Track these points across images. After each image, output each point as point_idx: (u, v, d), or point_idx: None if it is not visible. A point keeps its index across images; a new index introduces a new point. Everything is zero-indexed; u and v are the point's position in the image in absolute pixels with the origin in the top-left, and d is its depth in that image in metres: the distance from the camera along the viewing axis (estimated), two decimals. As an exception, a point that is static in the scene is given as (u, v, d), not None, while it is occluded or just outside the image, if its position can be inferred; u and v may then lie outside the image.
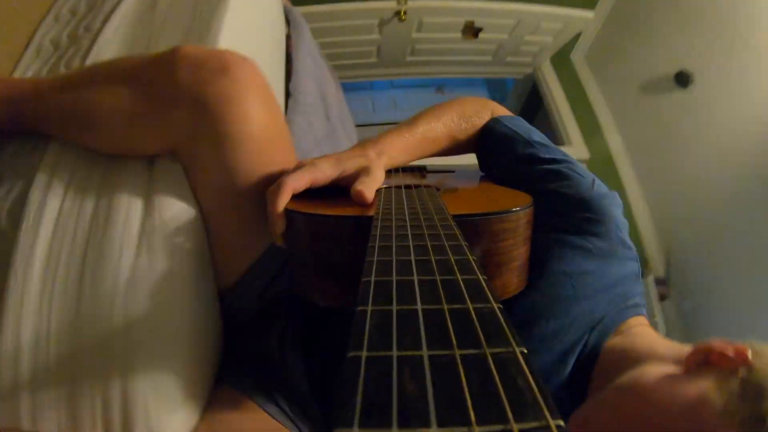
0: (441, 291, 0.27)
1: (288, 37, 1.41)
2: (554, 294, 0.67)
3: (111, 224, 0.72)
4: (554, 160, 0.76)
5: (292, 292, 0.80)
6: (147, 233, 0.73)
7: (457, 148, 0.84)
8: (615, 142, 2.72)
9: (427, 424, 0.16)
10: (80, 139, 0.78)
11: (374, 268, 0.31)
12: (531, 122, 0.83)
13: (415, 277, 0.29)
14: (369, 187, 0.62)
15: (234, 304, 0.81)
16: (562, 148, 0.74)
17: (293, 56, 1.37)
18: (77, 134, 0.78)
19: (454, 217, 0.49)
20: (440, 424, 0.16)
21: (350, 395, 0.17)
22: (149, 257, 0.71)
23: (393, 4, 2.37)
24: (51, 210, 0.74)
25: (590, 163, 2.67)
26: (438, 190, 0.70)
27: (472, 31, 2.66)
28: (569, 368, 0.66)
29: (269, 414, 0.74)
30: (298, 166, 0.67)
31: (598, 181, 0.73)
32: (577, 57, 3.00)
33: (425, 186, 0.71)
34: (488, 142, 0.82)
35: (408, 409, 0.17)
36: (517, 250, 0.61)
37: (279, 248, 0.76)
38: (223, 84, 0.69)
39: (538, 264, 0.68)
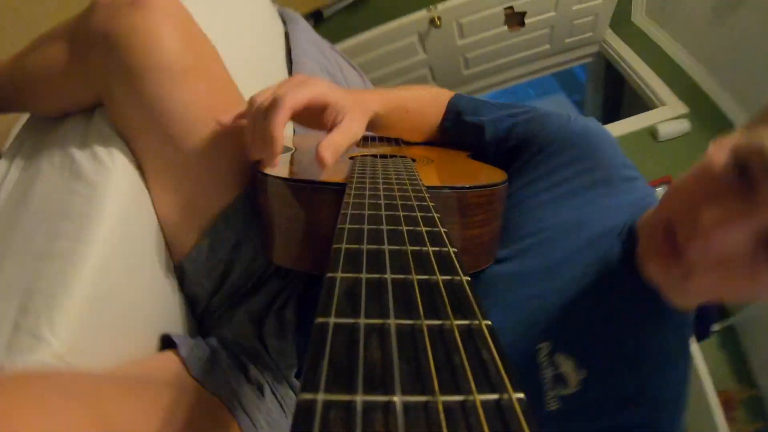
0: (411, 261, 0.27)
1: (287, 35, 1.41)
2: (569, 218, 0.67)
3: (51, 162, 0.72)
4: (527, 111, 0.78)
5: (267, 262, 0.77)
6: (76, 168, 0.69)
7: (422, 125, 0.86)
8: (710, 85, 2.36)
9: (392, 392, 0.16)
10: (27, 103, 0.81)
11: (345, 235, 0.31)
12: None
13: (386, 247, 0.29)
14: (335, 147, 0.56)
15: (191, 276, 0.75)
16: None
17: (292, 49, 1.35)
18: (24, 100, 0.80)
19: (428, 188, 0.48)
20: (404, 392, 0.16)
21: (317, 361, 0.18)
22: (72, 191, 0.67)
23: (423, 14, 2.34)
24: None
25: (693, 117, 2.32)
26: (414, 161, 0.69)
27: (515, 19, 2.53)
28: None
29: (200, 383, 0.62)
30: (289, 82, 0.60)
31: (574, 116, 0.75)
32: (639, 17, 2.72)
33: (401, 156, 0.72)
34: (459, 114, 0.84)
35: (373, 377, 0.17)
36: (489, 226, 0.61)
37: (234, 214, 0.73)
38: (131, 16, 0.66)
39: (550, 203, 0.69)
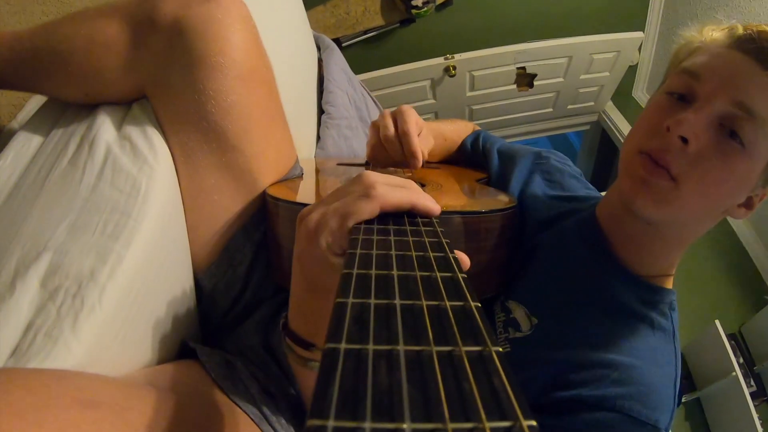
0: (420, 287, 0.26)
1: (320, 61, 1.38)
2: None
3: (81, 146, 0.66)
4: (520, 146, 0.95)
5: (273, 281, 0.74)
6: (112, 159, 0.63)
7: (453, 149, 1.02)
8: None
9: (401, 419, 0.16)
10: (51, 83, 0.72)
11: (356, 260, 0.30)
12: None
13: (395, 272, 0.28)
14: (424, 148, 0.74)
15: (208, 292, 0.70)
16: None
17: (325, 76, 1.32)
18: (48, 78, 0.72)
19: None
20: (413, 420, 0.16)
21: (326, 387, 0.17)
22: (110, 183, 0.61)
23: (440, 61, 2.35)
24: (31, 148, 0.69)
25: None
26: (423, 186, 0.68)
27: (525, 79, 2.56)
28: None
29: (233, 400, 0.57)
30: (398, 109, 0.75)
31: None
32: (639, 93, 2.78)
33: None
34: (480, 143, 0.97)
35: (383, 403, 0.17)
36: (498, 252, 0.59)
37: (254, 227, 0.70)
38: (207, 7, 0.63)
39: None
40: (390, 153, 0.74)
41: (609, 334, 0.58)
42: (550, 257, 0.67)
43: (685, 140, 0.52)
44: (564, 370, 0.56)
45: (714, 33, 0.58)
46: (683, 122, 0.52)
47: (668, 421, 0.55)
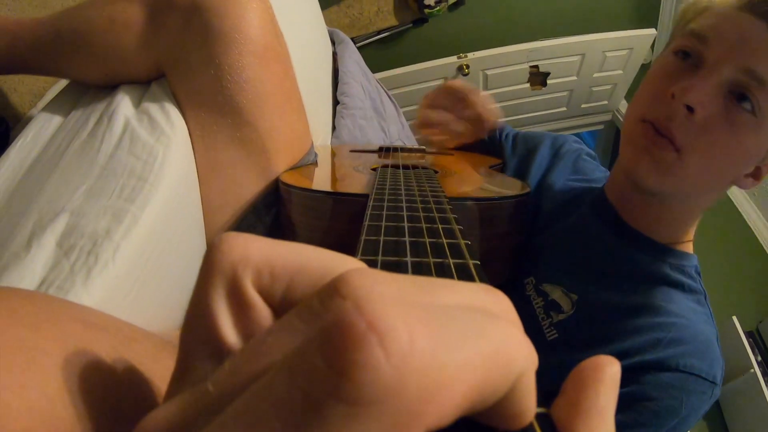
0: (433, 274, 0.26)
1: (334, 54, 1.38)
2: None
3: (100, 120, 0.66)
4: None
5: None
6: (130, 131, 0.64)
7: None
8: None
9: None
10: (73, 64, 0.73)
11: (370, 247, 0.30)
12: None
13: (408, 259, 0.28)
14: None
15: None
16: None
17: (340, 69, 1.33)
18: (70, 59, 0.73)
19: (450, 200, 0.46)
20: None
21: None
22: (128, 151, 0.62)
23: (453, 60, 2.34)
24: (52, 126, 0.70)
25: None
26: (436, 172, 0.68)
27: (539, 78, 2.54)
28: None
29: None
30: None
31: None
32: (656, 91, 2.75)
33: (423, 167, 0.69)
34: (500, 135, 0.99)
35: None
36: (510, 237, 0.59)
37: (266, 209, 0.69)
38: None
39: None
40: (468, 102, 0.86)
41: (650, 299, 0.58)
42: (573, 238, 0.67)
43: (691, 109, 0.50)
44: (616, 342, 0.56)
45: None
46: (689, 90, 0.50)
47: (721, 379, 0.54)
